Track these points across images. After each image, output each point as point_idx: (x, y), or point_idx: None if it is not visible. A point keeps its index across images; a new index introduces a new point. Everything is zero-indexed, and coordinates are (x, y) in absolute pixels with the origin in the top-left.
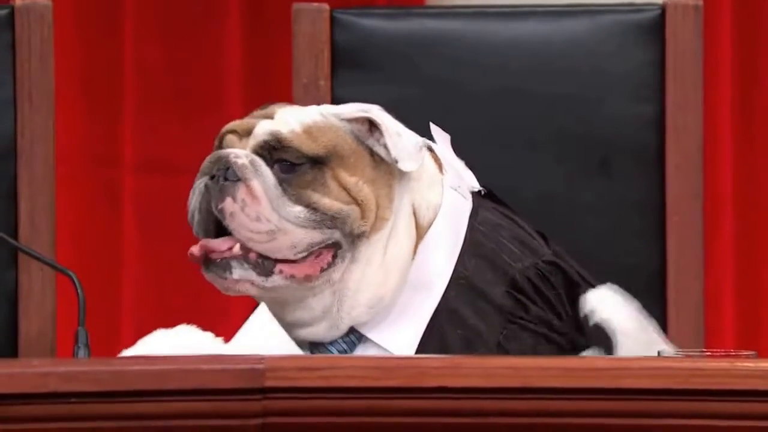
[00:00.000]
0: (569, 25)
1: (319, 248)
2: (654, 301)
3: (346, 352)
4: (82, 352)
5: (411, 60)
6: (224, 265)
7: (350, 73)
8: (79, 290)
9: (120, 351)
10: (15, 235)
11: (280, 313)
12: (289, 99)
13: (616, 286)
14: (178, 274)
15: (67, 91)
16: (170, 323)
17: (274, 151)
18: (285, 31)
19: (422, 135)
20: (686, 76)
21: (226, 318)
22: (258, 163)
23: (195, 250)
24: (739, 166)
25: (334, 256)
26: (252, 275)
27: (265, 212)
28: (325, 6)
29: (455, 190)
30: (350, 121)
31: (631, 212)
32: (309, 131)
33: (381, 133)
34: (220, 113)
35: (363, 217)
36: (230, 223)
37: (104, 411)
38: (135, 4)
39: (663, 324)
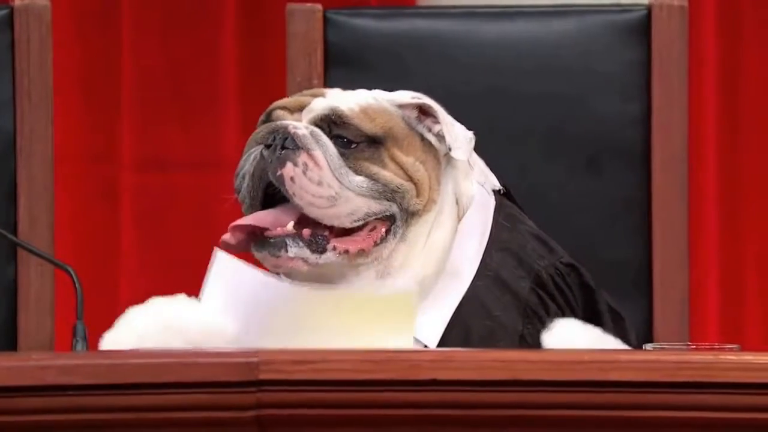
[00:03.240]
0: (557, 25)
1: (375, 221)
2: (640, 295)
3: None
4: (80, 346)
5: (402, 59)
6: (279, 244)
7: (343, 71)
8: (77, 285)
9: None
10: (14, 231)
11: None
12: (283, 97)
13: (574, 320)
14: (175, 269)
15: (66, 90)
16: None
17: (333, 126)
18: (279, 31)
19: None
20: (672, 75)
21: None
22: (318, 133)
23: (229, 237)
24: (722, 163)
25: (388, 231)
26: (306, 253)
27: (327, 178)
28: (318, 6)
29: (481, 185)
30: (401, 106)
31: (618, 208)
32: (366, 111)
33: (433, 120)
34: (216, 111)
35: (418, 195)
36: (290, 188)
37: (101, 403)
38: (132, 4)
39: (648, 317)
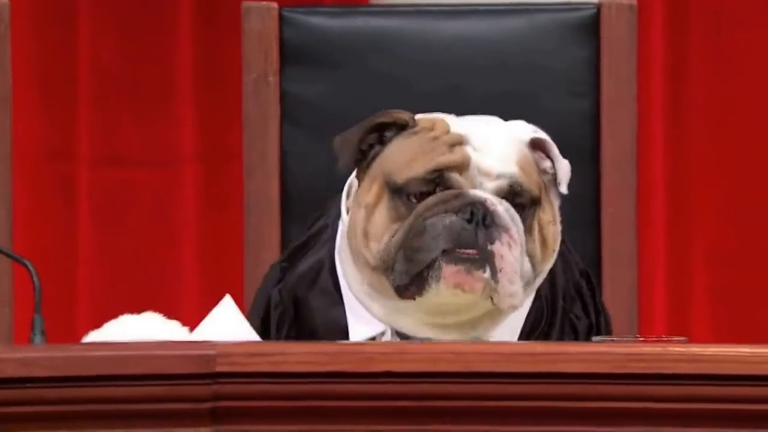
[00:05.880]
0: (508, 24)
1: None
2: None
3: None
4: (38, 339)
5: (356, 56)
6: (479, 263)
7: (298, 68)
8: (35, 279)
9: (80, 337)
10: None
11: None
12: (238, 94)
13: None
14: (132, 265)
15: (24, 87)
16: (124, 312)
17: (514, 196)
18: (235, 29)
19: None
20: (620, 73)
21: (177, 309)
22: (512, 212)
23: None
24: (669, 159)
25: None
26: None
27: (519, 257)
28: (274, 4)
29: None
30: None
31: (567, 204)
32: (523, 168)
33: (541, 155)
34: (173, 108)
35: (543, 259)
36: (498, 263)
37: (59, 396)
38: (89, 1)
39: None
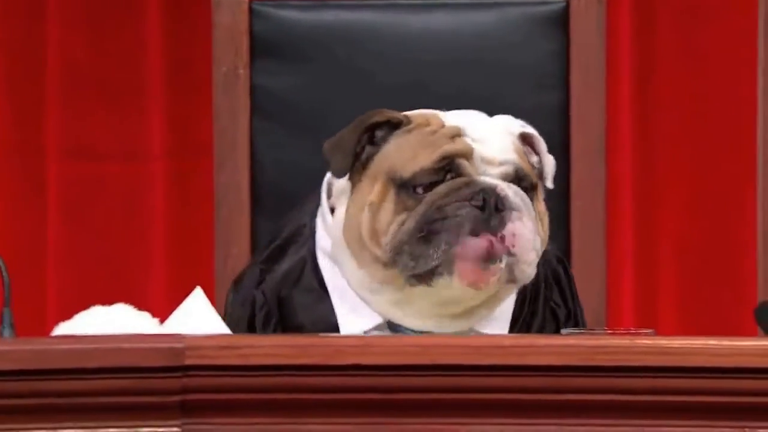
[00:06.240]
0: (478, 18)
1: None
2: None
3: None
4: (7, 332)
5: (326, 50)
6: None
7: (268, 62)
8: (3, 272)
9: (50, 331)
10: None
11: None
12: (209, 87)
13: None
14: (102, 258)
15: None
16: (94, 306)
17: (519, 181)
18: (205, 21)
19: (342, 123)
20: (589, 67)
21: (147, 302)
22: (524, 196)
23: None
24: (638, 153)
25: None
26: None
27: (532, 230)
28: None
29: None
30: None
31: None
32: (519, 155)
33: (528, 150)
34: (143, 102)
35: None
36: (510, 241)
37: (28, 389)
38: None
39: None
